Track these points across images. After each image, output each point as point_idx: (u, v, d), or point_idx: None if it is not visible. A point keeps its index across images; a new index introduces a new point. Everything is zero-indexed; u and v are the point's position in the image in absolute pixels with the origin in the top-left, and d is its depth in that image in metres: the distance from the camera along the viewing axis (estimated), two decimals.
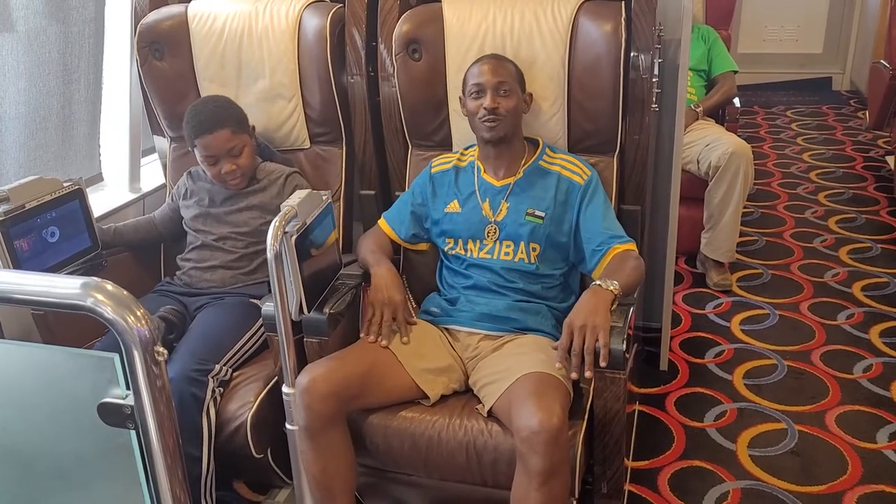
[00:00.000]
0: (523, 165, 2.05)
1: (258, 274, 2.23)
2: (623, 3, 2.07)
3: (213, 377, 1.94)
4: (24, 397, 1.06)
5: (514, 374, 1.75)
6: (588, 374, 1.66)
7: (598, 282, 1.77)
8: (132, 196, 2.67)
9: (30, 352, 1.07)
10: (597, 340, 1.66)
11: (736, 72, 3.58)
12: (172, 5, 2.43)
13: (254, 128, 2.24)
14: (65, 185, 1.99)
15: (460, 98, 2.08)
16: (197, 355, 1.96)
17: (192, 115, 2.16)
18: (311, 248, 1.77)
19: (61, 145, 2.45)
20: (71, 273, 2.12)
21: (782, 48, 6.47)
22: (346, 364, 1.81)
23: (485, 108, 1.95)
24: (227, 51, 2.34)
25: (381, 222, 2.18)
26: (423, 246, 2.19)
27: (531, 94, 2.08)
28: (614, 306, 1.74)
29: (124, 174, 2.69)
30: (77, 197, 2.02)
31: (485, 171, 2.08)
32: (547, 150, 2.08)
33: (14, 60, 2.21)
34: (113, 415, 1.00)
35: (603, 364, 1.65)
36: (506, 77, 1.98)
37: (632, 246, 1.96)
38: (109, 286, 0.97)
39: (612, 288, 1.75)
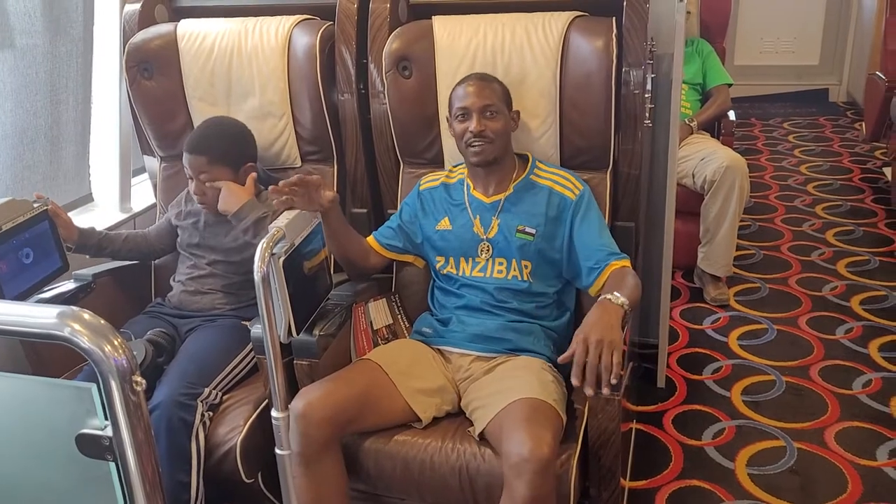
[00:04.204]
0: (514, 181, 2.03)
1: (250, 296, 2.19)
2: (614, 18, 2.06)
3: (202, 401, 1.91)
4: (0, 429, 1.04)
5: (506, 399, 1.73)
6: (605, 390, 1.61)
7: (607, 295, 1.73)
8: (123, 216, 2.65)
9: (5, 382, 1.04)
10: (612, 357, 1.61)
11: (730, 85, 3.57)
12: (161, 24, 2.41)
13: (252, 166, 2.17)
14: (34, 206, 1.96)
15: (447, 118, 2.07)
16: (186, 379, 1.93)
17: (197, 127, 2.20)
18: (299, 270, 1.74)
19: (49, 166, 2.43)
20: (59, 294, 2.10)
21: (778, 60, 6.47)
22: (341, 387, 1.78)
23: (471, 132, 1.93)
24: (217, 69, 2.32)
25: (369, 237, 2.15)
26: (408, 258, 2.16)
27: (518, 112, 2.05)
28: (624, 324, 1.70)
29: (114, 194, 2.68)
30: (46, 218, 1.99)
31: (474, 188, 2.05)
32: (538, 164, 2.06)
33: (0, 80, 2.20)
34: (91, 446, 0.97)
35: (614, 381, 1.61)
36: (492, 99, 1.95)
37: (627, 262, 1.93)
38: (87, 315, 0.95)
39: (621, 303, 1.71)
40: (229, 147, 2.14)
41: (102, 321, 0.95)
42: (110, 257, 2.27)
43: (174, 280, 2.28)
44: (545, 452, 1.57)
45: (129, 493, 0.99)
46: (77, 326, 0.93)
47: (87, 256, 2.21)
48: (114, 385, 0.94)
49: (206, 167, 2.10)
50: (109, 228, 2.48)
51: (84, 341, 0.92)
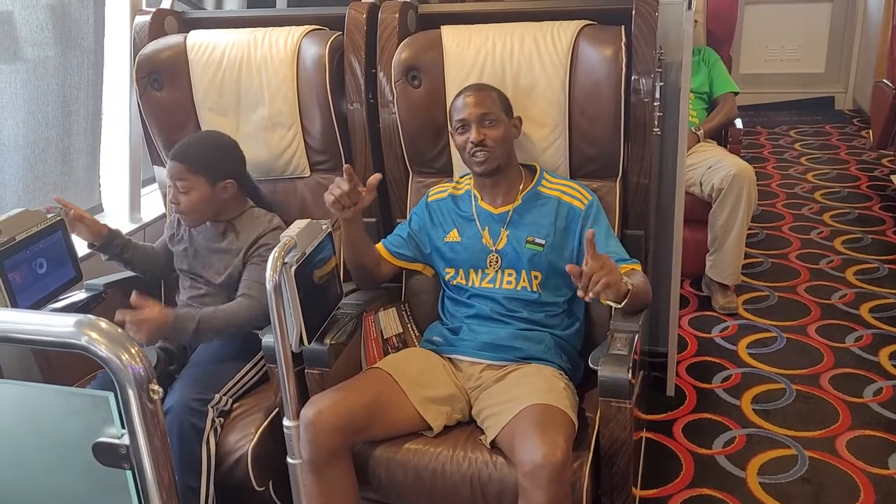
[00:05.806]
0: (521, 192, 2.03)
1: None
2: (623, 27, 2.07)
3: (212, 407, 1.92)
4: (17, 438, 1.04)
5: (518, 406, 1.73)
6: (585, 293, 1.66)
7: None
8: (133, 226, 2.66)
9: (23, 391, 1.04)
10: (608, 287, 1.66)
11: (736, 93, 3.57)
12: (171, 35, 2.42)
13: (231, 183, 2.11)
14: (48, 216, 1.97)
15: (449, 132, 2.07)
16: (197, 385, 1.94)
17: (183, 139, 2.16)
18: (310, 279, 1.74)
19: (60, 176, 2.44)
20: (71, 303, 2.11)
21: (784, 68, 6.48)
22: (351, 395, 1.79)
23: (471, 143, 1.94)
24: (226, 80, 2.33)
25: (378, 245, 2.16)
26: (417, 266, 2.16)
27: (520, 118, 2.06)
28: (622, 305, 1.73)
29: (124, 204, 2.69)
30: (59, 228, 2.00)
31: (482, 200, 2.06)
32: (545, 176, 2.07)
33: (12, 92, 2.21)
34: (108, 455, 0.98)
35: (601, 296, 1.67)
36: (489, 107, 1.96)
37: (638, 266, 1.94)
38: (104, 324, 0.95)
39: (625, 282, 1.73)
40: (211, 160, 2.09)
41: (119, 330, 0.95)
42: (123, 264, 2.26)
43: (178, 298, 2.28)
44: (559, 457, 1.57)
45: (146, 501, 0.99)
46: (94, 335, 0.93)
47: (104, 257, 2.19)
48: (131, 394, 0.94)
49: (184, 174, 2.06)
50: None
51: (102, 350, 0.93)
